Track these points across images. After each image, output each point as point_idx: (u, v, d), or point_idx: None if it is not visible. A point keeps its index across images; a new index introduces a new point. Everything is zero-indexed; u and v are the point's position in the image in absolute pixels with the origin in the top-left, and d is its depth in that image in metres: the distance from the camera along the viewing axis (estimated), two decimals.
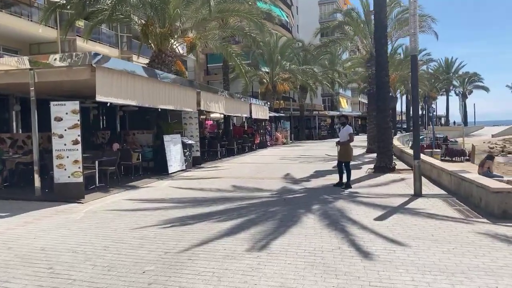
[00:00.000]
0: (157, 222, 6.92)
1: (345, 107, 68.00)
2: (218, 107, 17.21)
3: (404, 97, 55.70)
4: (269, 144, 29.60)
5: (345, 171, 10.12)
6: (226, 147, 20.81)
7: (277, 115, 33.94)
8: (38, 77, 9.30)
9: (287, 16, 50.18)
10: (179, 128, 16.03)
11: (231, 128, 26.01)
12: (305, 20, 63.63)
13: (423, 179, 10.93)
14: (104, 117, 19.16)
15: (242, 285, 4.12)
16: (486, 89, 73.88)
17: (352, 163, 16.65)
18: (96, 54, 9.21)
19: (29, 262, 4.99)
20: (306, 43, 37.25)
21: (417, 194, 8.64)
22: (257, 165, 16.52)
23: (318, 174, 13.07)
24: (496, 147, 49.35)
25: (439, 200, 8.14)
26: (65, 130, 8.97)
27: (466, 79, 71.60)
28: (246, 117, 30.36)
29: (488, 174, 11.70)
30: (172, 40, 15.50)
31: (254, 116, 24.11)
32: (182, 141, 14.76)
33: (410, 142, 35.77)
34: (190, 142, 15.34)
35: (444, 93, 70.18)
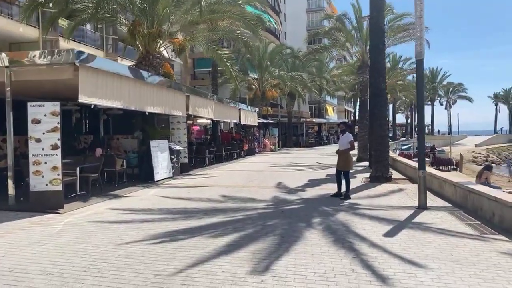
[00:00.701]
0: (144, 236, 6.24)
1: (332, 114, 68.05)
2: (207, 112, 16.57)
3: (391, 106, 55.90)
4: (257, 151, 29.01)
5: (344, 181, 9.57)
6: (215, 154, 20.13)
7: (265, 121, 33.43)
8: (15, 76, 8.54)
9: (275, 23, 49.94)
10: (166, 133, 15.33)
11: (219, 134, 25.33)
12: (292, 27, 63.56)
13: None
14: (87, 121, 18.33)
15: None
16: (469, 99, 75.01)
17: None
18: (80, 52, 8.52)
19: None
20: (295, 50, 36.90)
21: (422, 206, 8.14)
22: (248, 172, 15.89)
23: (313, 183, 12.51)
24: (480, 156, 49.81)
25: (446, 214, 7.65)
26: (43, 133, 8.21)
27: (451, 89, 72.52)
28: (234, 123, 29.87)
29: (486, 185, 11.32)
30: (161, 41, 14.85)
31: (243, 122, 23.54)
32: (169, 147, 14.06)
33: (398, 151, 35.72)
34: (177, 148, 14.65)
35: (429, 102, 70.85)
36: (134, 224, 7.08)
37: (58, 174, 8.24)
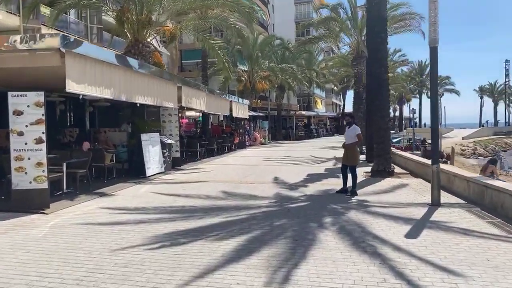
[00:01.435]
0: (142, 240, 5.61)
1: (320, 107, 67.73)
2: (199, 104, 15.87)
3: None
4: (247, 144, 28.39)
5: (350, 176, 9.05)
6: (206, 147, 19.46)
7: (256, 114, 32.81)
8: None
9: (263, 14, 49.12)
10: (157, 126, 14.62)
11: (209, 127, 24.62)
12: (281, 19, 62.71)
13: (429, 185, 10.08)
14: (72, 113, 17.46)
15: None
16: (457, 92, 75.53)
17: (339, 166, 15.91)
18: (66, 37, 7.78)
19: None
20: (285, 41, 36.26)
21: (436, 203, 7.68)
22: (242, 167, 15.30)
23: (312, 178, 12.00)
24: (467, 149, 50.17)
25: (462, 211, 7.20)
26: (26, 126, 7.47)
27: (438, 82, 72.74)
28: (223, 116, 29.16)
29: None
30: (150, 30, 14.08)
31: (234, 115, 22.89)
32: (161, 140, 13.36)
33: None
34: (169, 141, 13.96)
35: (417, 95, 71.08)
36: (129, 226, 6.43)
37: (43, 171, 7.52)
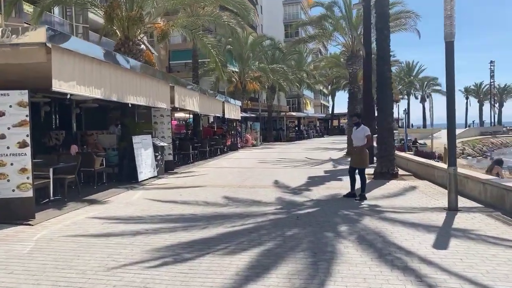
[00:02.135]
0: (142, 256, 4.99)
1: (309, 109, 67.52)
2: (192, 104, 15.22)
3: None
4: (239, 146, 27.77)
5: (359, 179, 8.53)
6: (199, 150, 18.80)
7: (247, 115, 32.24)
8: None
9: (253, 15, 48.61)
10: (148, 127, 13.93)
11: (201, 128, 23.95)
12: (269, 20, 62.33)
13: (439, 188, 9.65)
14: (58, 115, 16.64)
15: None
16: (443, 93, 75.93)
17: (340, 167, 15.48)
18: (53, 30, 7.11)
19: None
20: (276, 41, 35.79)
21: (453, 208, 7.21)
22: (238, 170, 14.70)
23: (314, 181, 11.47)
24: (456, 149, 50.41)
25: (484, 216, 6.73)
26: (9, 128, 6.77)
27: (426, 83, 73.23)
28: (214, 117, 28.52)
29: None
30: (141, 27, 13.41)
31: (227, 116, 22.27)
32: (153, 143, 12.70)
33: None
34: (162, 144, 13.29)
35: (405, 96, 71.31)
36: (125, 238, 5.79)
37: (28, 178, 6.82)
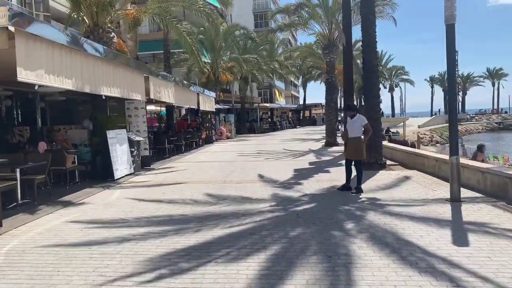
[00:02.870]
0: (133, 268, 4.35)
1: (281, 100, 67.22)
2: (168, 96, 14.41)
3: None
4: (214, 139, 27.05)
5: (355, 171, 8.13)
6: (174, 144, 18.00)
7: (221, 107, 31.47)
8: None
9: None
10: (122, 121, 13.06)
11: (174, 121, 23.07)
12: (238, 10, 61.11)
13: (432, 178, 9.42)
14: (20, 110, 15.44)
15: None
16: (411, 82, 77.65)
17: (324, 158, 15.13)
18: (16, 12, 6.24)
19: None
20: (249, 31, 35.05)
21: (455, 199, 6.91)
22: (219, 164, 14.06)
23: (302, 173, 11.02)
24: (425, 137, 51.56)
25: (491, 208, 6.44)
26: None
27: (394, 72, 74.45)
28: (186, 109, 27.59)
29: None
30: (113, 13, 12.46)
31: (202, 108, 21.51)
32: (128, 137, 11.87)
33: None
34: (138, 138, 12.48)
35: None
36: (110, 247, 5.11)
37: None
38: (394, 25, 21.21)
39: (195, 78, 32.96)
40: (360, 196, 7.66)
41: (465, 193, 7.53)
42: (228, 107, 34.74)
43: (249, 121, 41.78)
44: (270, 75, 40.52)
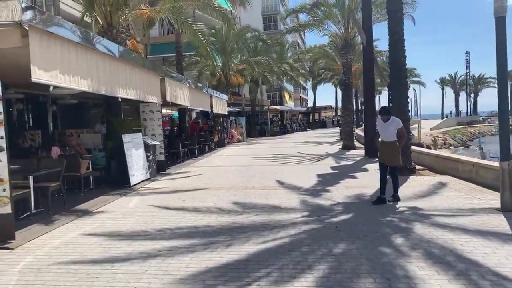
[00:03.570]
0: None
1: (289, 102, 66.65)
2: (183, 99, 13.94)
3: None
4: (226, 142, 26.53)
5: (391, 178, 7.52)
6: (189, 148, 17.50)
7: (232, 109, 30.98)
8: None
9: (231, 7, 47.19)
10: (137, 125, 12.60)
11: (187, 125, 22.59)
12: (247, 12, 60.80)
13: (469, 184, 8.79)
14: (31, 113, 15.04)
15: None
16: (423, 84, 76.67)
17: (345, 162, 14.52)
18: (29, 7, 5.76)
19: None
20: (260, 33, 34.58)
21: (507, 209, 6.30)
22: (236, 168, 13.51)
23: (326, 179, 10.43)
24: (438, 139, 50.70)
25: None
26: None
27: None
28: (198, 112, 27.13)
29: None
30: (127, 12, 12.02)
31: (214, 111, 21.03)
32: (144, 141, 11.39)
33: None
34: (154, 143, 11.99)
35: (387, 88, 71.31)
36: (135, 265, 4.58)
37: (5, 190, 5.48)
38: (413, 24, 20.57)
39: (205, 81, 32.54)
40: (398, 205, 7.07)
41: None
42: (238, 110, 34.21)
43: (259, 124, 41.26)
44: (281, 77, 39.94)
